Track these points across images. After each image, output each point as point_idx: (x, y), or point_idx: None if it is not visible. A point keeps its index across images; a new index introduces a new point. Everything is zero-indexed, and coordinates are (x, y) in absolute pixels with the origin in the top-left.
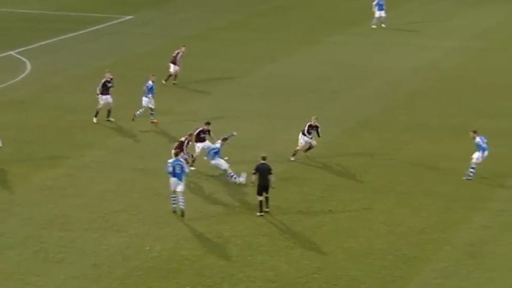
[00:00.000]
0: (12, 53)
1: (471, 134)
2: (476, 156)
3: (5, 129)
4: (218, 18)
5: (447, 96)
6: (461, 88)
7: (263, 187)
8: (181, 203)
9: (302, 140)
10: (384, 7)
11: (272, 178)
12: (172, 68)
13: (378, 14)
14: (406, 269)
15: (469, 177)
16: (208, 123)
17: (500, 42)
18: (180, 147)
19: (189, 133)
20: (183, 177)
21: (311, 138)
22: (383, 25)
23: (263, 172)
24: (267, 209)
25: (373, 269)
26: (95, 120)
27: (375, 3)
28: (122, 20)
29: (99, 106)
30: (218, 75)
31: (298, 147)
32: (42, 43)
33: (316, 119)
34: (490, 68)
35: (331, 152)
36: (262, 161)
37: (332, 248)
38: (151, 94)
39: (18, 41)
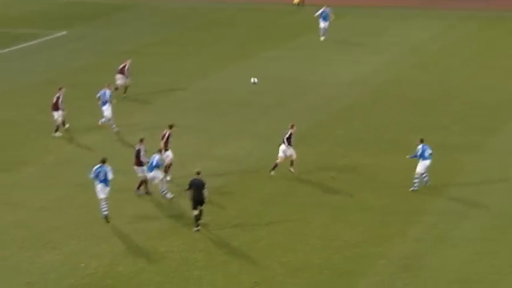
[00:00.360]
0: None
1: (418, 142)
2: (419, 166)
3: None
4: (152, 33)
5: (381, 110)
6: (394, 102)
7: (197, 201)
8: (104, 210)
9: (281, 152)
10: (329, 19)
11: (206, 193)
12: (121, 80)
13: (322, 24)
14: (342, 284)
15: (414, 188)
16: (141, 140)
17: (431, 57)
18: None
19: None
20: (108, 184)
21: (289, 147)
22: (322, 38)
23: (197, 187)
24: (201, 221)
25: (310, 283)
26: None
27: (318, 13)
28: (55, 36)
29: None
30: (153, 90)
31: (278, 160)
32: None
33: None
34: (422, 83)
35: (267, 166)
36: (196, 176)
37: (269, 262)
38: (108, 103)
39: None
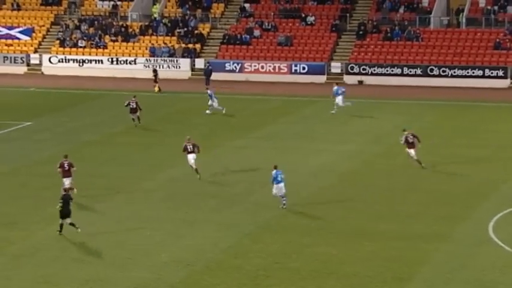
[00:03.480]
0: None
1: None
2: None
3: None
4: (118, 122)
5: (346, 199)
6: (359, 191)
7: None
8: None
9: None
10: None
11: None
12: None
13: (338, 100)
14: None
15: (284, 206)
16: None
17: (395, 146)
18: None
19: None
20: None
21: None
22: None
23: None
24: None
25: None
26: None
27: (335, 88)
28: (20, 126)
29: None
30: (118, 180)
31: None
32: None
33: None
34: (387, 172)
35: (230, 256)
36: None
37: None
38: None
39: None
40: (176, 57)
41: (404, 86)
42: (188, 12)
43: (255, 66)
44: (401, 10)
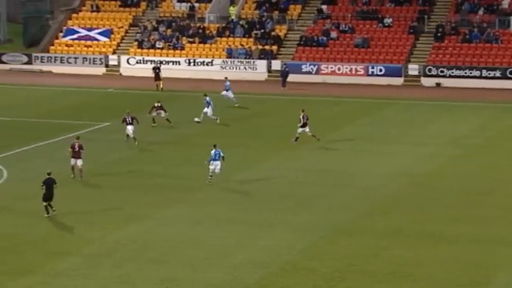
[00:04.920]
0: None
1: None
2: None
3: None
4: (194, 124)
5: (422, 202)
6: (436, 194)
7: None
8: None
9: None
10: None
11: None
12: None
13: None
14: None
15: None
16: None
17: (473, 149)
18: None
19: None
20: None
21: None
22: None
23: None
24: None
25: None
26: None
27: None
28: (98, 127)
29: None
30: (194, 181)
31: None
32: (19, 150)
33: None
34: (464, 175)
35: (306, 258)
36: (48, 176)
37: None
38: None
39: None
40: (253, 58)
41: (482, 88)
42: (265, 13)
43: (331, 68)
44: (480, 12)
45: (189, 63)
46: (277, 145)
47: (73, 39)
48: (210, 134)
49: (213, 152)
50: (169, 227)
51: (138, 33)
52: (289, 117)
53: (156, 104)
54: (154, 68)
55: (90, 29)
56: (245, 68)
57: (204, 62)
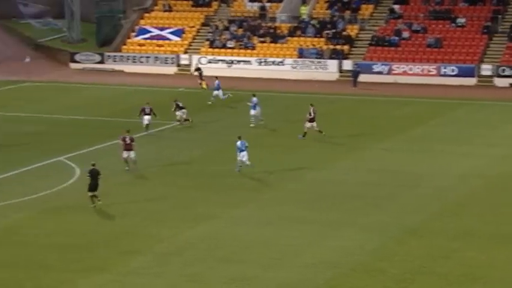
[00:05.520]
0: (61, 158)
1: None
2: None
3: (54, 234)
4: (264, 124)
5: (495, 204)
6: (509, 196)
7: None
8: None
9: None
10: None
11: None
12: None
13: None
14: None
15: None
16: None
17: None
18: None
19: None
20: None
21: None
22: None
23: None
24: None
25: None
26: None
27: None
28: (169, 126)
29: None
30: (265, 181)
31: None
32: (92, 148)
33: None
34: None
35: (376, 259)
36: (92, 167)
37: None
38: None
39: (68, 147)
40: (324, 58)
41: None
42: (337, 13)
43: (403, 68)
44: None
45: (260, 62)
46: (347, 145)
47: (145, 39)
48: (278, 134)
49: (238, 142)
50: (240, 226)
51: (209, 32)
52: (360, 117)
53: (178, 103)
54: (197, 69)
55: (162, 29)
56: (316, 67)
57: (274, 61)
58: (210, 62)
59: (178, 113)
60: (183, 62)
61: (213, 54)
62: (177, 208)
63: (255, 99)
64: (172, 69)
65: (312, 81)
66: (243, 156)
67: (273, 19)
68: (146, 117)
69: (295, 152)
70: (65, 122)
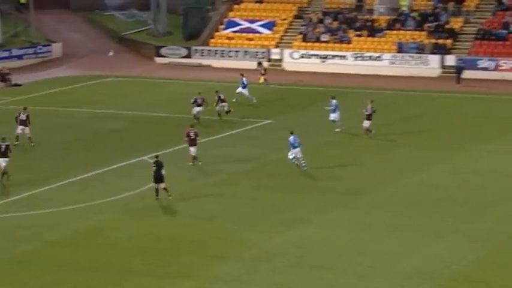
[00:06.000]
0: (145, 158)
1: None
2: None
3: (137, 237)
4: (358, 123)
5: None
6: None
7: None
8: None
9: None
10: None
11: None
12: None
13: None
14: None
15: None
16: None
17: None
18: None
19: None
20: None
21: None
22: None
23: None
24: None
25: None
26: None
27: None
28: (260, 124)
29: None
30: (360, 184)
31: None
32: (177, 148)
33: None
34: None
35: (479, 269)
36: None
37: None
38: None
39: (152, 146)
40: (425, 53)
41: None
42: (439, 5)
43: (511, 63)
44: None
45: (356, 57)
46: (450, 146)
47: (234, 32)
48: (377, 132)
49: (291, 138)
50: (333, 232)
51: (302, 25)
52: (463, 116)
53: (219, 96)
54: (259, 63)
55: (252, 21)
56: (416, 63)
57: (372, 56)
58: (302, 57)
59: (218, 107)
60: (274, 56)
61: (305, 49)
62: (267, 212)
63: (334, 101)
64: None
65: (412, 77)
66: (296, 153)
67: (371, 11)
68: (197, 108)
69: (390, 153)
70: (149, 119)
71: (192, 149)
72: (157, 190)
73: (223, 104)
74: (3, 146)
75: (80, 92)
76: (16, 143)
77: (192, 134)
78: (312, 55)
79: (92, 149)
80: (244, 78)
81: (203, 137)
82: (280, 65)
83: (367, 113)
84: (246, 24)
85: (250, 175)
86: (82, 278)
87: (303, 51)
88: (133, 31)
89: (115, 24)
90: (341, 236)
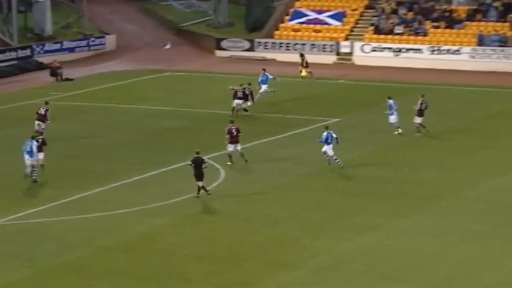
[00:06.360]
0: (204, 158)
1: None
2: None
3: (195, 243)
4: (438, 121)
5: None
6: None
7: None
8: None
9: None
10: None
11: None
12: None
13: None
14: None
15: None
16: None
17: None
18: None
19: None
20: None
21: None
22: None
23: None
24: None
25: None
26: None
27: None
28: (327, 123)
29: None
30: (436, 188)
31: None
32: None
33: None
34: None
35: None
36: (196, 155)
37: None
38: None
39: (212, 145)
40: (508, 46)
41: None
42: None
43: None
44: None
45: (433, 51)
46: None
47: (300, 23)
48: (455, 132)
49: (324, 134)
50: (406, 239)
51: (374, 16)
52: None
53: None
54: (300, 55)
55: (320, 12)
56: (498, 57)
57: (450, 50)
58: (374, 50)
59: (236, 101)
60: (343, 50)
61: (378, 41)
62: (334, 217)
63: (391, 101)
64: (331, 58)
65: (493, 72)
66: (328, 150)
67: (449, 1)
68: (236, 101)
69: (470, 154)
70: (208, 117)
71: (232, 147)
72: (199, 188)
73: (238, 101)
74: (39, 140)
75: (135, 88)
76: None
77: (234, 131)
78: (385, 48)
79: (148, 148)
80: (266, 74)
81: (267, 136)
82: (349, 59)
83: (417, 108)
84: (313, 15)
85: (316, 177)
86: (137, 286)
87: (374, 44)
88: (192, 22)
89: (172, 15)
90: (414, 244)
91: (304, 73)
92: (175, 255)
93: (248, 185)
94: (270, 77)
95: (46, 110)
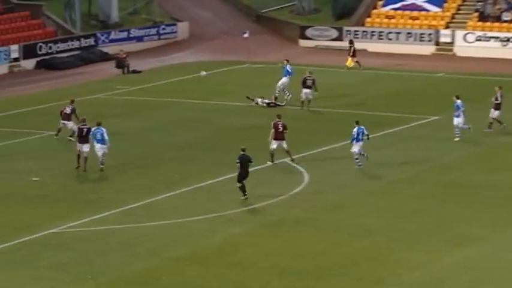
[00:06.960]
0: (286, 160)
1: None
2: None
3: (275, 255)
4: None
5: None
6: None
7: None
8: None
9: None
10: None
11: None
12: None
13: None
14: None
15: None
16: None
17: None
18: None
19: None
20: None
21: None
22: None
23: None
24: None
25: None
26: None
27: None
28: (425, 121)
29: None
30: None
31: None
32: (325, 148)
33: None
34: None
35: None
36: (242, 152)
37: None
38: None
39: (294, 146)
40: None
41: None
42: None
43: None
44: None
45: None
46: None
47: (395, 9)
48: None
49: (355, 129)
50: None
51: (479, 1)
52: None
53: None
54: (350, 41)
55: None
56: None
57: None
58: (478, 40)
59: (304, 90)
60: (443, 39)
61: (483, 30)
62: (432, 227)
63: (459, 101)
64: (429, 49)
65: None
66: (358, 146)
67: None
68: (305, 90)
69: None
70: (292, 114)
71: (276, 144)
72: (241, 188)
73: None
74: (85, 130)
75: (210, 81)
76: (56, 137)
77: (280, 126)
78: (491, 37)
79: (223, 149)
80: (287, 65)
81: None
82: (450, 50)
83: (496, 101)
84: (409, 0)
85: (412, 183)
86: None
87: (479, 33)
88: (274, 8)
89: (251, 0)
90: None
91: (351, 63)
92: (253, 268)
93: (335, 190)
94: (289, 70)
95: (72, 109)
